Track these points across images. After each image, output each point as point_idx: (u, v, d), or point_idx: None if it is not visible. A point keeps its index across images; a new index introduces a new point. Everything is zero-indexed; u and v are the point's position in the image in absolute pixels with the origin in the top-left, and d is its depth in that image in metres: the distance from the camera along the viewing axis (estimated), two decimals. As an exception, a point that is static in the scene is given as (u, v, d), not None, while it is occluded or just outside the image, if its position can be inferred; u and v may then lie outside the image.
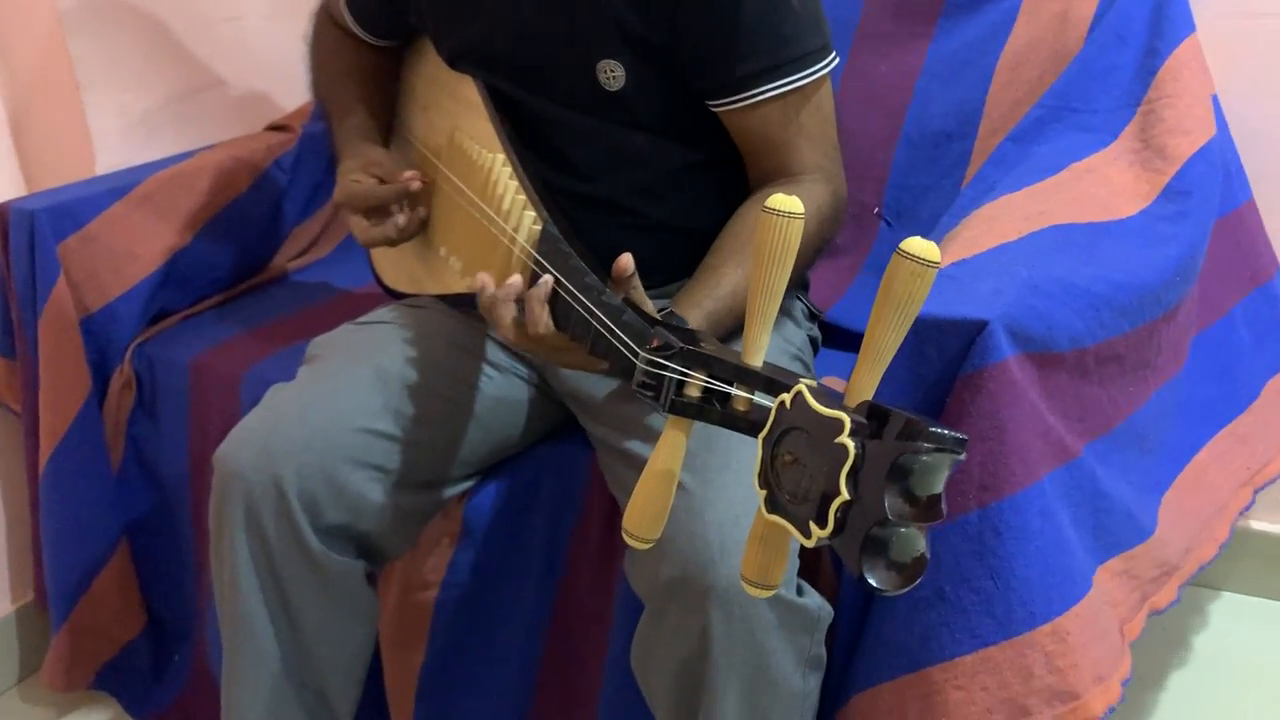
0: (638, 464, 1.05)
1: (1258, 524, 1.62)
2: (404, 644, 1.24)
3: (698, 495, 0.94)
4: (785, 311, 1.22)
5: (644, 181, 1.14)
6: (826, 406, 0.62)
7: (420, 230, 1.20)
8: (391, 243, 1.18)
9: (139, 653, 1.48)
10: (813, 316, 1.29)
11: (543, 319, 0.94)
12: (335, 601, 1.10)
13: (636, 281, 0.92)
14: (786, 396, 0.65)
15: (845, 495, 0.59)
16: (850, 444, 0.60)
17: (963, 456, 0.58)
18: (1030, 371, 0.93)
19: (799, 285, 1.28)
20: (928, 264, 0.61)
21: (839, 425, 0.61)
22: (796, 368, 1.17)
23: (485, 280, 0.96)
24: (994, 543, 0.91)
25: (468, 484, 1.18)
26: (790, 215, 0.68)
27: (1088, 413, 1.00)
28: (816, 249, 1.09)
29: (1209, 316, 1.27)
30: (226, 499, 1.06)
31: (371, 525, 1.10)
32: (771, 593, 0.70)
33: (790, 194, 1.05)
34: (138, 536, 1.45)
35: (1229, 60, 1.41)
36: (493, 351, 1.19)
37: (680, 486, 0.95)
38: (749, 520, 0.92)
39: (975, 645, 0.91)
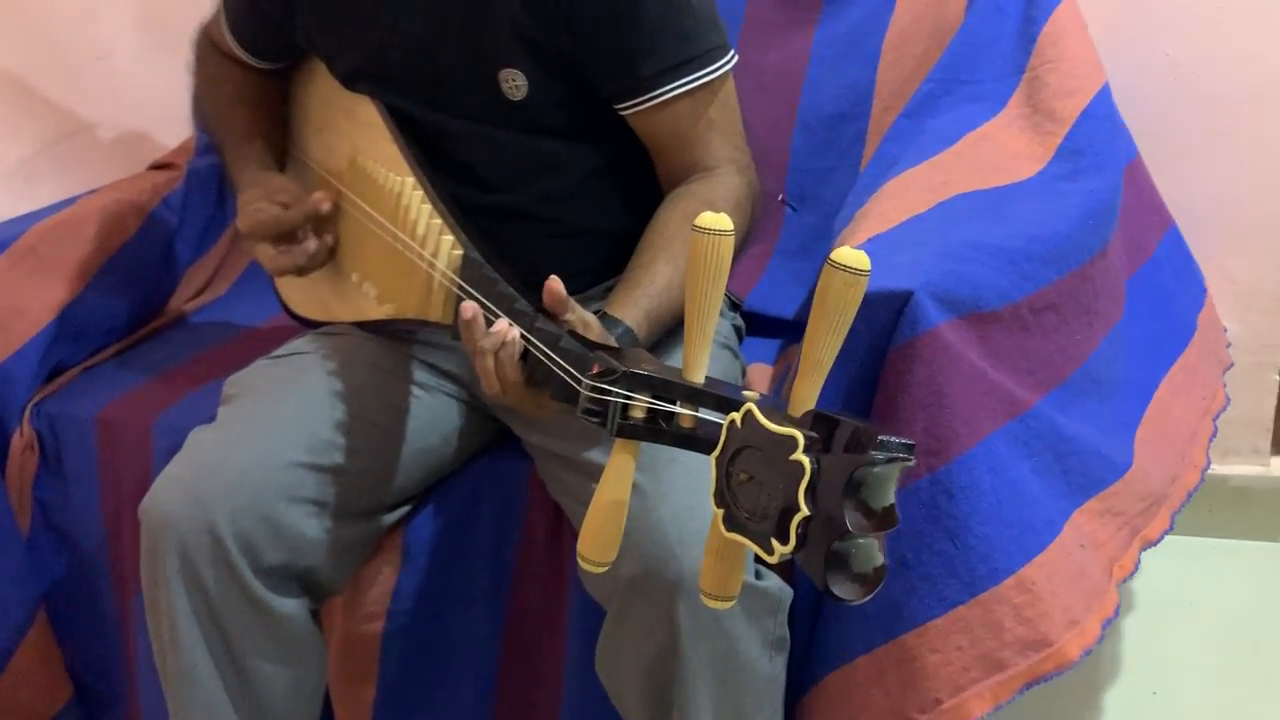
0: (577, 466, 1.05)
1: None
2: (354, 680, 1.21)
3: (650, 491, 0.94)
4: (709, 303, 1.22)
5: (554, 188, 1.13)
6: (777, 424, 0.63)
7: (330, 257, 1.17)
8: (301, 270, 1.15)
9: (68, 725, 1.41)
10: (734, 306, 1.30)
11: (508, 375, 0.89)
12: (283, 645, 1.07)
13: (573, 304, 0.89)
14: (736, 415, 0.66)
15: (805, 511, 0.60)
16: (806, 460, 0.61)
17: (912, 462, 0.59)
18: (966, 333, 0.95)
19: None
20: (859, 273, 0.62)
21: (793, 443, 0.61)
22: (725, 357, 1.17)
23: (474, 311, 0.90)
24: (947, 505, 0.93)
25: (406, 508, 1.16)
26: (720, 233, 0.69)
27: (1037, 365, 1.03)
28: (741, 239, 1.10)
29: (1136, 260, 1.32)
30: (158, 552, 1.02)
31: (312, 560, 1.07)
32: (731, 604, 0.70)
33: (707, 188, 1.07)
34: (56, 604, 1.38)
35: (1098, 23, 1.47)
36: (418, 372, 1.17)
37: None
38: (702, 510, 0.93)
39: (944, 608, 0.93)
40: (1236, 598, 1.58)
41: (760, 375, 1.30)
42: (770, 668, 0.97)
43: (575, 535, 1.07)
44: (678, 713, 0.95)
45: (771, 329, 1.39)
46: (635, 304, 0.98)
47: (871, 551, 0.60)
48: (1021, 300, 1.01)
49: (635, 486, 0.94)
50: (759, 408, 0.64)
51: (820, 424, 0.62)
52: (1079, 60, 1.33)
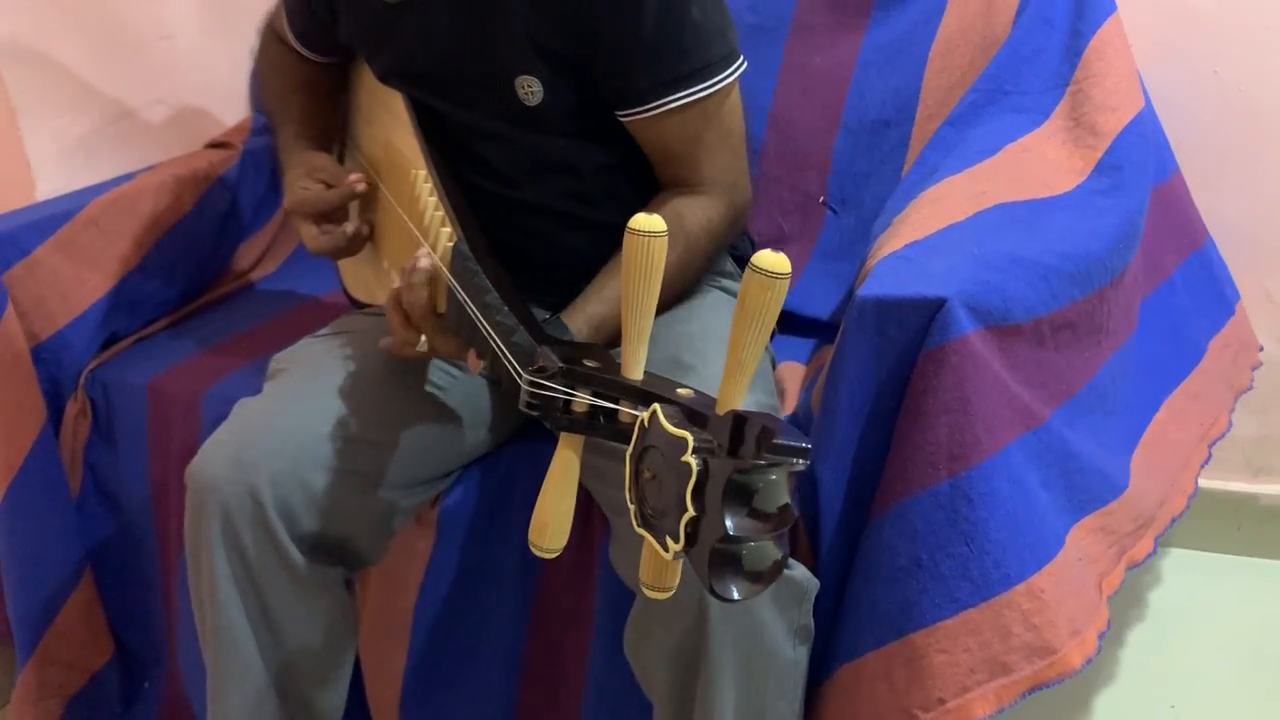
0: (607, 451, 1.07)
1: (1203, 481, 1.69)
2: (385, 649, 1.24)
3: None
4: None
5: (570, 186, 1.17)
6: (675, 426, 0.65)
7: (365, 243, 1.21)
8: (340, 252, 1.19)
9: (108, 682, 1.46)
10: (769, 303, 1.32)
11: (418, 297, 0.99)
12: (316, 610, 1.10)
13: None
14: (645, 415, 0.68)
15: (691, 512, 0.62)
16: (693, 462, 0.62)
17: (802, 466, 0.60)
18: (992, 344, 0.96)
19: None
20: (776, 276, 0.63)
21: (684, 444, 0.64)
22: (757, 352, 1.20)
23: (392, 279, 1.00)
24: (966, 509, 0.94)
25: (441, 485, 1.19)
26: (652, 235, 0.71)
27: (1049, 379, 1.04)
28: (709, 256, 1.15)
29: (1153, 280, 1.32)
30: (202, 513, 1.06)
31: (347, 530, 1.10)
32: (669, 594, 0.72)
33: (684, 205, 1.10)
34: (101, 564, 1.43)
35: (1146, 39, 1.48)
36: (456, 354, 1.20)
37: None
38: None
39: (955, 609, 0.95)
40: (1259, 616, 1.58)
41: (793, 373, 1.32)
42: (794, 655, 0.99)
43: (604, 519, 1.11)
44: (701, 693, 0.98)
45: (807, 329, 1.41)
46: (582, 310, 1.04)
47: (764, 551, 0.62)
48: (1044, 316, 1.02)
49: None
50: (663, 410, 0.67)
51: (738, 424, 0.63)
52: (1122, 76, 1.34)
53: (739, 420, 0.63)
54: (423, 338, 1.04)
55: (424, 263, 0.99)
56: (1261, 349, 1.58)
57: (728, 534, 0.60)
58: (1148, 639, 1.54)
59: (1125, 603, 1.61)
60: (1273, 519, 1.69)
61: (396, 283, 1.15)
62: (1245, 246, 1.57)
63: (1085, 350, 1.10)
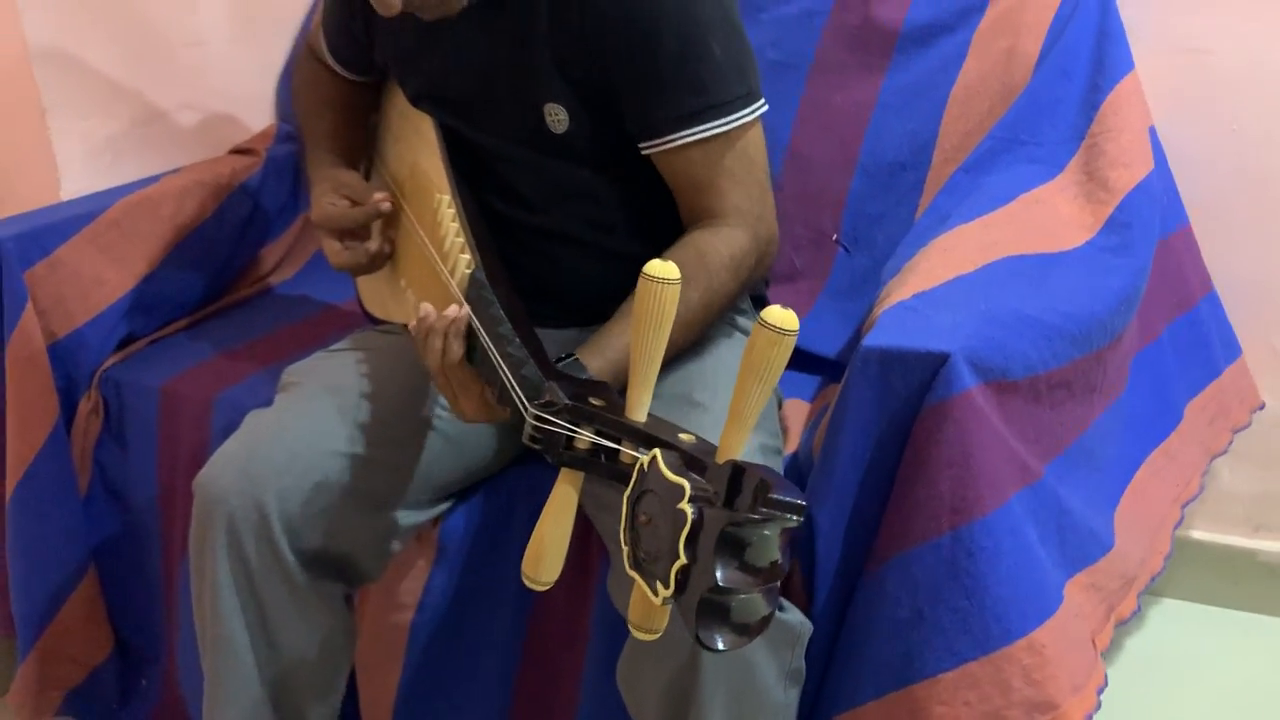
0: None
1: (1198, 534, 1.70)
2: (381, 665, 1.26)
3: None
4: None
5: (593, 214, 1.18)
6: (673, 472, 0.66)
7: (386, 261, 1.23)
8: (362, 268, 1.21)
9: (106, 677, 1.48)
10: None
11: (452, 349, 0.97)
12: (315, 624, 1.12)
13: None
14: (645, 460, 0.69)
15: (683, 559, 0.63)
16: (689, 510, 0.63)
17: (795, 522, 0.61)
18: (990, 399, 0.97)
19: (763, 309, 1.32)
20: (785, 332, 0.65)
21: (680, 492, 0.64)
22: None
23: (427, 310, 0.99)
24: (967, 563, 0.95)
25: (443, 506, 1.21)
26: (665, 281, 0.71)
27: (1042, 435, 1.05)
28: (733, 294, 1.12)
29: (1144, 339, 1.33)
30: (208, 524, 1.07)
31: (349, 547, 1.12)
32: (656, 636, 0.73)
33: (707, 241, 1.10)
34: (105, 561, 1.45)
35: (1166, 93, 1.49)
36: (465, 376, 1.22)
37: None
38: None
39: (955, 662, 0.95)
40: (1253, 671, 1.58)
41: (797, 411, 1.33)
42: (784, 697, 1.00)
43: (603, 546, 1.13)
44: (692, 729, 0.99)
45: (813, 365, 1.42)
46: (602, 353, 1.03)
47: (754, 605, 0.63)
48: (1041, 374, 1.03)
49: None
50: (664, 455, 0.68)
51: (736, 474, 0.64)
52: (1136, 133, 1.35)
53: (737, 470, 0.64)
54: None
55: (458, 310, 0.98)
56: (1263, 406, 1.58)
57: (717, 584, 0.61)
58: (1140, 690, 1.54)
59: (1117, 653, 1.61)
60: (1271, 575, 1.69)
61: (413, 301, 1.16)
62: (1254, 303, 1.58)
63: (1078, 408, 1.10)
